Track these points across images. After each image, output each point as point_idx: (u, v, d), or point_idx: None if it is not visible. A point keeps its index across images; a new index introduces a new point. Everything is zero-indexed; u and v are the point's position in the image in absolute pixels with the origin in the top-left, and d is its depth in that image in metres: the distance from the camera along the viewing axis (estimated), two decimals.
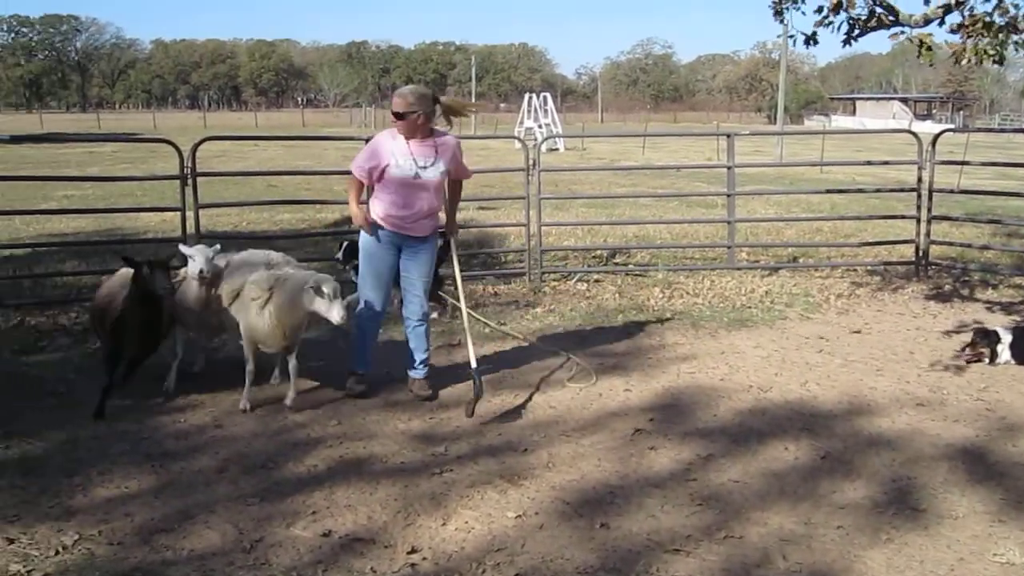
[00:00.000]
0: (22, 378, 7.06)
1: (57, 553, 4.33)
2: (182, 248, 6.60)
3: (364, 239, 6.64)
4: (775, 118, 42.91)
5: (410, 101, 6.28)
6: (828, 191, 16.02)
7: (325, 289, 5.98)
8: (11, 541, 4.44)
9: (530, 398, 6.68)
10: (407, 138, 6.38)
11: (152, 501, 4.92)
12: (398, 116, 6.33)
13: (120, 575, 4.13)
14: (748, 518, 4.74)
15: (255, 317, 6.23)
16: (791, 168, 26.56)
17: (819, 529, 4.63)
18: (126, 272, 6.38)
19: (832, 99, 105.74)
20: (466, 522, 4.68)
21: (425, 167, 6.39)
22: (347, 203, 6.85)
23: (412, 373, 6.81)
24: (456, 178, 6.75)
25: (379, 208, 6.52)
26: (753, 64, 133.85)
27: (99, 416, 6.08)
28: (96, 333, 6.85)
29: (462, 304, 6.87)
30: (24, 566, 4.19)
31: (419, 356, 6.79)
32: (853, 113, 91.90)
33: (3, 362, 7.49)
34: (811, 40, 8.33)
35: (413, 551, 4.36)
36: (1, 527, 4.59)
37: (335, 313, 5.99)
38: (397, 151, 6.38)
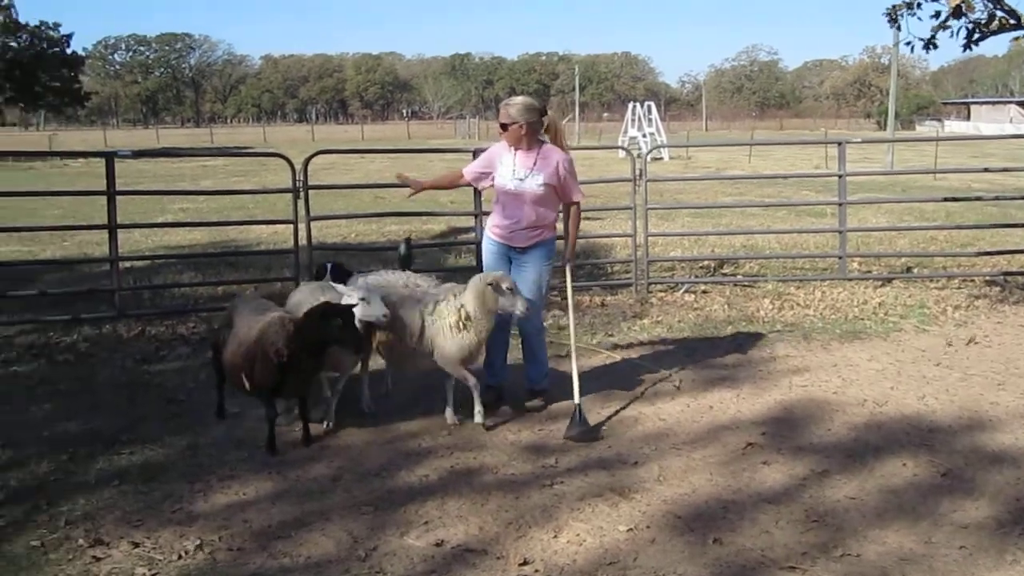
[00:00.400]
0: (144, 386, 7.30)
1: (180, 557, 4.47)
2: (339, 287, 6.39)
3: (484, 251, 6.82)
4: (885, 124, 41.86)
5: (511, 113, 6.37)
6: (945, 199, 15.56)
7: (504, 285, 6.11)
8: (136, 545, 4.59)
9: (640, 411, 6.64)
10: (515, 149, 6.45)
11: (269, 508, 5.04)
12: (502, 127, 6.43)
13: None
14: (865, 536, 4.63)
15: (460, 337, 6.19)
16: (903, 176, 25.92)
17: (940, 549, 4.49)
18: (259, 301, 6.38)
19: (945, 104, 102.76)
20: (577, 535, 4.68)
21: (523, 178, 6.43)
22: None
23: (526, 385, 6.84)
24: (562, 199, 6.65)
25: (491, 219, 6.69)
26: (862, 69, 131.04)
27: (272, 450, 5.85)
28: (224, 364, 6.14)
29: (571, 332, 6.88)
30: (149, 569, 4.33)
31: (532, 369, 6.84)
32: (967, 118, 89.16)
33: (125, 371, 7.76)
34: (930, 44, 8.14)
35: (525, 563, 4.37)
36: (126, 531, 4.76)
37: (519, 306, 6.12)
38: (504, 160, 6.49)
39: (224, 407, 6.54)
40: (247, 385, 5.84)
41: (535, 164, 6.43)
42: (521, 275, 6.59)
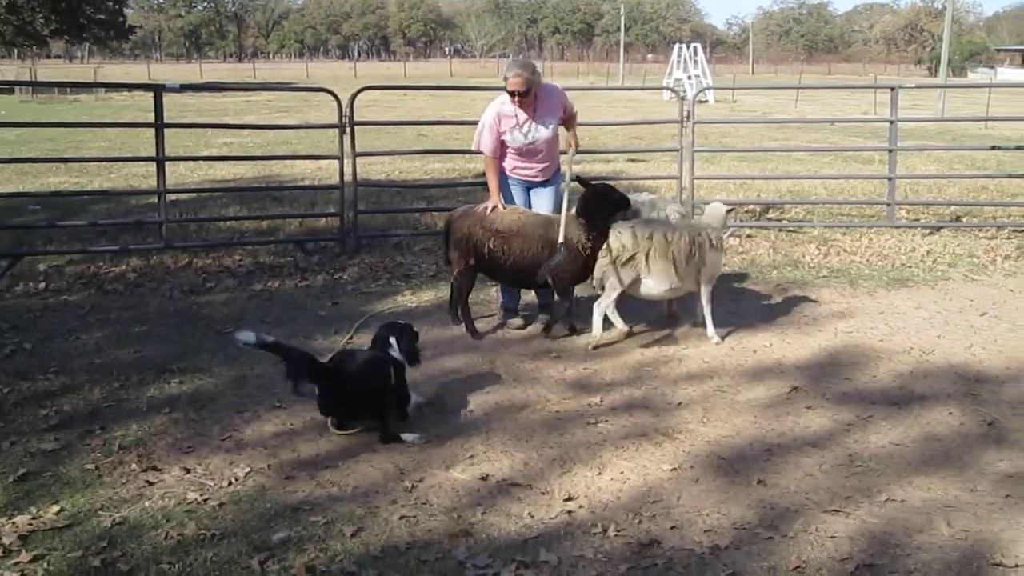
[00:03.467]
0: (192, 317, 7.40)
1: (230, 484, 4.55)
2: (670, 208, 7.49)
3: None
4: (936, 70, 40.98)
5: (531, 77, 6.73)
6: (994, 147, 15.27)
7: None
8: (188, 471, 4.68)
9: (683, 352, 6.64)
10: (518, 106, 6.88)
11: (317, 439, 5.10)
12: (521, 95, 6.74)
13: (290, 507, 4.31)
14: (910, 482, 4.62)
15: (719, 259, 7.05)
16: (954, 123, 25.45)
17: (985, 497, 4.47)
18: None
19: (999, 50, 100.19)
20: (621, 472, 4.71)
21: (534, 129, 6.94)
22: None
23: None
24: (566, 118, 7.13)
25: (507, 162, 7.22)
26: (914, 13, 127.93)
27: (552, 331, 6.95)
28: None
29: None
30: (200, 494, 4.41)
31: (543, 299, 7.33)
32: (1022, 65, 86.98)
33: (173, 301, 7.86)
34: None
35: (570, 499, 4.41)
36: (178, 457, 4.85)
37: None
38: (507, 120, 6.99)
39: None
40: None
41: (537, 111, 6.85)
42: (543, 196, 7.21)
